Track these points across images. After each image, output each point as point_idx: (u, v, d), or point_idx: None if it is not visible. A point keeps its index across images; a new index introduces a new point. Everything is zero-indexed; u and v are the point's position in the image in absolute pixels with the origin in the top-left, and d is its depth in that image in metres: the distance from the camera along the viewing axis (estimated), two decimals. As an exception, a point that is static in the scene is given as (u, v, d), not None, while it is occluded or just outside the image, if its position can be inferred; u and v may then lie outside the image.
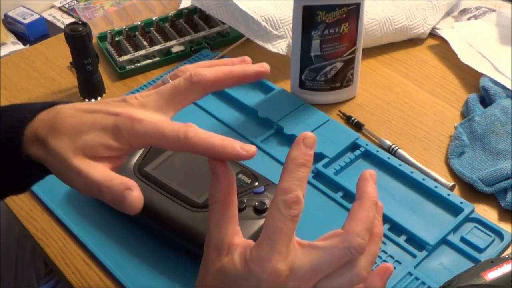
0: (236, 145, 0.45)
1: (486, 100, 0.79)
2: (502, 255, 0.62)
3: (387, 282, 0.46)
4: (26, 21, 1.84)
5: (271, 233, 0.43)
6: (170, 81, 0.50)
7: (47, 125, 0.48)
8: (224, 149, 0.45)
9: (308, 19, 0.73)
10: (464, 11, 0.96)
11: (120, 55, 0.89)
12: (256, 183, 0.63)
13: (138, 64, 0.88)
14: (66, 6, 1.98)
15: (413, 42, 0.92)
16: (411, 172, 0.69)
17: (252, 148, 0.45)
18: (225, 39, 0.93)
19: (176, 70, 0.51)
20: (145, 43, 0.91)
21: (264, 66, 0.52)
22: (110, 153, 0.46)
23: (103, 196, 0.44)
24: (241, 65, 0.51)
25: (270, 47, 0.83)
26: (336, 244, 0.43)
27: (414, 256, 0.61)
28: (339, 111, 0.80)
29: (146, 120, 0.46)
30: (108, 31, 0.92)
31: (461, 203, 0.65)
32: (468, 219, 0.64)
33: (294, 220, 0.43)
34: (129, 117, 0.46)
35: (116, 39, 0.92)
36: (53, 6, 2.00)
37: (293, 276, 0.43)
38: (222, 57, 0.87)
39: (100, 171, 0.45)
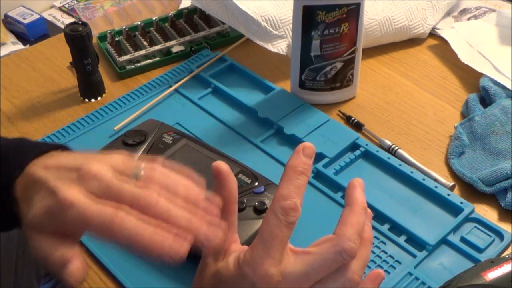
0: (165, 243, 0.41)
1: (486, 100, 0.79)
2: (502, 255, 0.62)
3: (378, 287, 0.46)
4: (26, 21, 1.84)
5: (266, 239, 0.43)
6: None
7: (21, 189, 0.48)
8: (150, 246, 0.41)
9: (308, 19, 0.73)
10: (464, 11, 0.96)
11: (120, 55, 0.89)
12: (256, 183, 0.63)
13: (138, 64, 0.88)
14: (66, 6, 1.98)
15: (413, 42, 0.92)
16: (411, 172, 0.69)
17: (183, 246, 0.41)
18: (225, 39, 0.93)
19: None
20: (145, 43, 0.91)
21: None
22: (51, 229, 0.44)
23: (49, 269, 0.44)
24: None
25: (270, 47, 0.83)
26: (327, 249, 0.44)
27: (414, 256, 0.61)
28: (339, 111, 0.80)
29: (77, 204, 0.42)
30: (108, 31, 0.92)
31: (461, 203, 0.65)
32: (468, 219, 0.64)
33: (290, 227, 0.44)
34: (61, 199, 0.43)
35: (116, 39, 0.92)
36: (53, 6, 2.00)
37: (284, 282, 0.43)
38: (222, 57, 0.87)
39: (43, 245, 0.43)
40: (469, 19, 0.94)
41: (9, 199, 0.50)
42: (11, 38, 1.83)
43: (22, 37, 1.84)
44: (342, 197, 0.67)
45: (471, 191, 0.68)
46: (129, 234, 0.41)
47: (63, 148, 0.54)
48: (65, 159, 0.48)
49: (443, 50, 0.90)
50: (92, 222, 0.42)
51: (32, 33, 1.83)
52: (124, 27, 0.93)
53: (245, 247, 0.46)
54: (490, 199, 0.68)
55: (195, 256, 0.59)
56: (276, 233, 0.43)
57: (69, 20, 1.88)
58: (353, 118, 0.78)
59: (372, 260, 0.61)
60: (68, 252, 0.43)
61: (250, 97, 0.81)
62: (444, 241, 0.63)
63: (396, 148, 0.73)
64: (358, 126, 0.77)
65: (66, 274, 0.42)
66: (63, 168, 0.47)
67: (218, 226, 0.43)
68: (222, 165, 0.46)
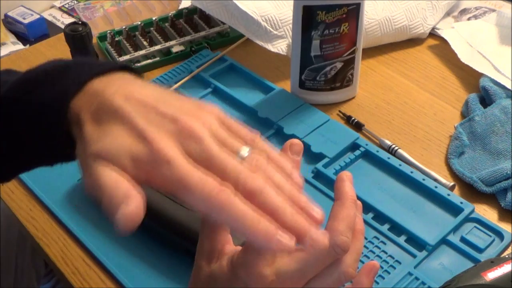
0: (274, 236, 0.38)
1: (486, 100, 0.80)
2: (502, 255, 0.62)
3: (374, 279, 0.46)
4: (26, 21, 1.84)
5: None
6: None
7: (91, 109, 0.42)
8: (256, 233, 0.38)
9: (308, 19, 0.73)
10: (464, 11, 0.96)
11: (120, 55, 0.89)
12: (256, 183, 0.63)
13: (138, 64, 0.88)
14: (66, 6, 1.98)
15: (413, 42, 0.92)
16: (411, 172, 0.69)
17: (292, 242, 0.39)
18: (225, 39, 0.93)
19: None
20: (145, 43, 0.91)
21: None
22: (134, 172, 0.40)
23: (103, 201, 0.39)
24: None
25: (270, 47, 0.83)
26: None
27: (414, 256, 0.61)
28: (339, 111, 0.80)
29: (176, 163, 0.39)
30: (108, 31, 0.92)
31: (461, 203, 0.65)
32: (468, 219, 0.64)
33: None
34: (157, 151, 0.39)
35: (116, 39, 0.92)
36: (53, 6, 2.00)
37: (279, 281, 0.43)
38: (222, 57, 0.87)
39: (109, 174, 0.39)
40: (469, 19, 0.94)
41: (61, 117, 0.44)
42: (11, 38, 1.83)
43: (22, 37, 1.84)
44: (342, 197, 0.67)
45: (471, 191, 0.68)
46: (235, 216, 0.38)
47: (128, 69, 0.47)
48: (151, 93, 0.43)
49: (443, 50, 0.90)
50: (191, 189, 0.38)
51: (32, 33, 1.83)
52: (124, 27, 0.93)
53: (239, 248, 0.46)
54: (490, 199, 0.68)
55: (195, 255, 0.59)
56: None
57: (69, 20, 1.88)
58: (353, 118, 0.78)
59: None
60: (131, 190, 0.38)
61: (250, 97, 0.81)
62: (444, 241, 0.63)
63: (396, 148, 0.73)
64: (358, 126, 0.77)
65: (121, 213, 0.37)
66: (153, 110, 0.41)
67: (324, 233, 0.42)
68: None
